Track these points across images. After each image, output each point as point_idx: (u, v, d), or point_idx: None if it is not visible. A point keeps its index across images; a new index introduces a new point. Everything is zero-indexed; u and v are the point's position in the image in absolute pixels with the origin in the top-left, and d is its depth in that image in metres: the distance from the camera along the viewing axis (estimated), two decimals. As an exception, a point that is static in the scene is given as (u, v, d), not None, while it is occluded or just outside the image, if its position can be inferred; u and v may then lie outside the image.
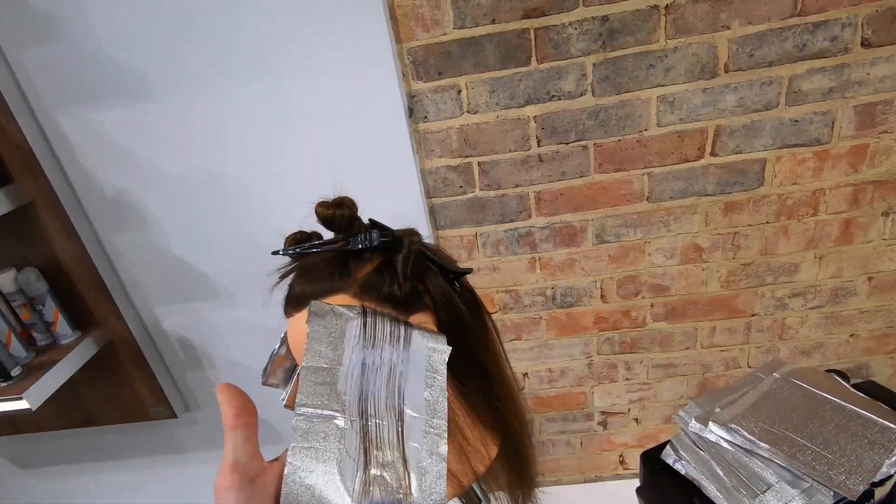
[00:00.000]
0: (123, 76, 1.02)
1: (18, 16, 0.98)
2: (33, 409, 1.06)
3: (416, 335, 0.46)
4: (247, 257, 1.12)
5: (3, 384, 1.08)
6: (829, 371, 0.81)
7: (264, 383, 0.61)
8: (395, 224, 0.52)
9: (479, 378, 0.53)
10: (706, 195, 1.11)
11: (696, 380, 1.34)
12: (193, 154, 1.09)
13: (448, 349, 0.47)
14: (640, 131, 1.06)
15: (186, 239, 1.19)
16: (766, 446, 0.66)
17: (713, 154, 1.07)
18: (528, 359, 1.33)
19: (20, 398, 1.05)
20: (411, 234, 0.53)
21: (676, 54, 0.99)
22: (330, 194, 0.52)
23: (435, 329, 0.49)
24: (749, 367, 1.31)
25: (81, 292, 1.19)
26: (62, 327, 1.19)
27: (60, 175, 1.12)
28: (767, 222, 1.13)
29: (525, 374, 1.36)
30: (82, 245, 1.15)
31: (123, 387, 1.31)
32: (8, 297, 1.14)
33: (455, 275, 0.54)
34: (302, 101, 1.03)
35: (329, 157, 1.07)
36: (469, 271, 0.56)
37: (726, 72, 1.00)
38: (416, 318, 0.49)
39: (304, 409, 0.41)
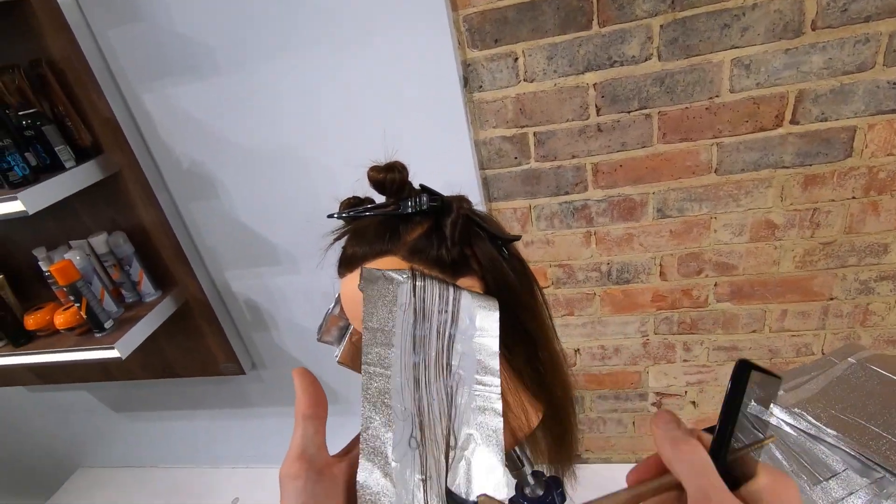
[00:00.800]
0: (196, 52, 1.08)
1: (105, -3, 1.06)
2: (123, 357, 1.19)
3: (466, 296, 0.47)
4: (308, 225, 1.18)
5: (98, 335, 1.21)
6: (915, 360, 0.74)
7: (319, 340, 0.65)
8: (447, 194, 0.52)
9: (525, 345, 0.53)
10: (783, 167, 1.03)
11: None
12: (260, 125, 1.14)
13: (497, 308, 0.48)
14: (711, 98, 0.99)
15: (253, 207, 1.26)
16: (834, 432, 0.61)
17: (793, 122, 0.99)
18: (580, 335, 1.31)
19: (112, 348, 1.17)
20: (461, 200, 0.53)
21: (756, 12, 0.91)
22: (383, 160, 0.54)
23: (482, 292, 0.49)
24: (822, 353, 1.22)
25: (162, 255, 1.30)
26: (146, 286, 1.31)
27: (143, 147, 1.21)
28: (854, 197, 1.03)
29: (577, 351, 1.34)
30: (162, 212, 1.25)
31: (198, 343, 1.43)
32: (101, 257, 1.27)
33: (503, 241, 0.54)
34: (360, 71, 1.04)
35: (384, 126, 1.09)
36: (517, 238, 0.56)
37: (813, 30, 0.91)
38: (463, 282, 0.49)
39: (369, 368, 0.44)
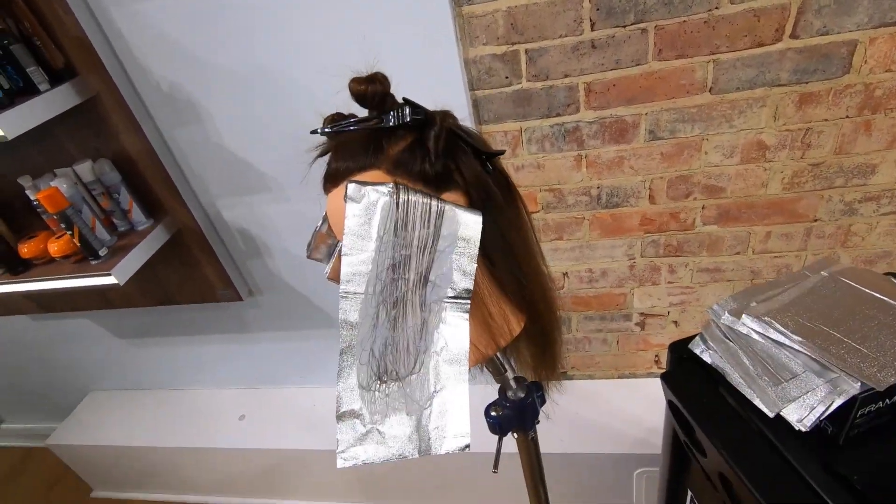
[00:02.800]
0: (165, -39, 1.01)
1: None
2: (121, 283, 1.21)
3: (448, 209, 0.48)
4: (294, 146, 1.16)
5: (94, 262, 1.23)
6: (888, 273, 0.77)
7: (309, 257, 0.66)
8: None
9: (508, 257, 0.55)
10: (779, 85, 1.01)
11: (743, 285, 1.31)
12: (237, 42, 1.09)
13: (480, 219, 0.49)
14: (710, 10, 0.95)
15: (238, 131, 1.23)
16: (798, 338, 0.65)
17: (793, 36, 0.95)
18: (568, 259, 1.34)
19: (109, 274, 1.20)
20: (445, 114, 0.53)
21: (763, -89, 0.85)
22: (364, 72, 0.52)
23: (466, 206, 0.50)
24: (803, 274, 1.26)
25: (150, 183, 1.29)
26: (137, 214, 1.31)
27: (119, 69, 1.16)
28: (847, 116, 1.02)
29: (565, 274, 1.38)
30: (146, 138, 1.22)
31: (194, 270, 1.46)
32: (88, 185, 1.25)
33: (488, 155, 0.54)
34: (341, -16, 0.98)
35: (373, 47, 1.04)
36: (502, 152, 0.56)
37: (823, -69, 0.85)
38: (447, 196, 0.50)
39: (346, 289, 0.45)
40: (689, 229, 1.23)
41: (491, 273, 0.54)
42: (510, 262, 0.55)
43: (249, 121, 1.20)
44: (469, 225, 0.48)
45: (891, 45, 0.94)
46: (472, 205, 0.51)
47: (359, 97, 0.51)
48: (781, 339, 0.66)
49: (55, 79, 1.11)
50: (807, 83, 1.00)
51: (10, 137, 0.99)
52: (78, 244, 1.19)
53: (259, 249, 1.46)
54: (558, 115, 1.11)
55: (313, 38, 1.06)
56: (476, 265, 0.48)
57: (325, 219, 0.63)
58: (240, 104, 1.18)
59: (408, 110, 0.51)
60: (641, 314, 1.42)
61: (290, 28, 1.05)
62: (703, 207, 1.19)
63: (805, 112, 1.03)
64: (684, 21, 0.96)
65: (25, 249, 1.28)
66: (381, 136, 0.51)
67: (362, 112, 0.52)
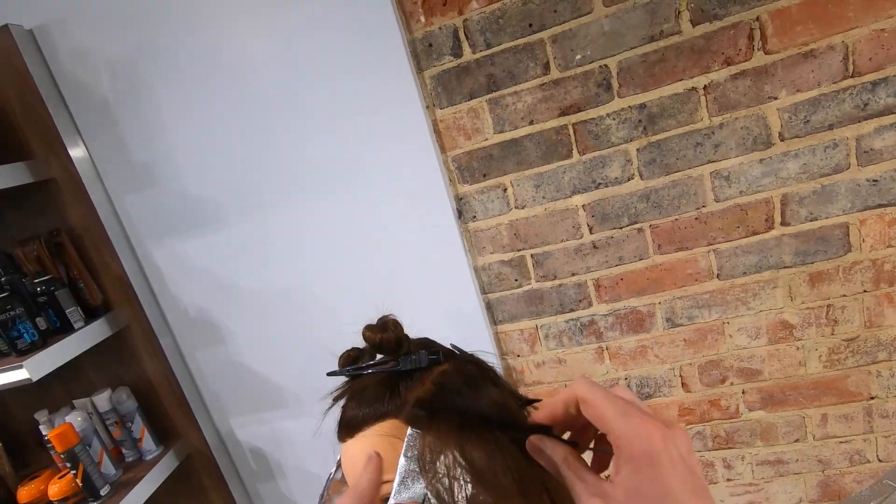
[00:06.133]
0: (204, 209, 1.15)
1: (123, 166, 1.15)
2: (118, 529, 1.10)
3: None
4: (313, 366, 1.16)
5: (93, 503, 1.13)
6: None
7: None
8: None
9: (544, 492, 0.49)
10: (785, 267, 1.02)
11: (816, 478, 1.14)
12: (264, 270, 1.18)
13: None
14: (698, 208, 1.02)
15: (258, 351, 1.25)
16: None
17: (784, 224, 1.00)
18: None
19: (107, 519, 1.09)
20: (463, 362, 0.50)
21: (724, 130, 0.97)
22: (383, 308, 0.53)
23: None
24: (879, 460, 1.10)
25: (166, 406, 1.27)
26: (147, 443, 1.25)
27: (152, 300, 1.24)
28: (865, 291, 1.01)
29: (607, 477, 1.23)
30: (167, 362, 1.24)
31: (199, 499, 1.33)
32: (103, 415, 1.23)
33: (524, 403, 0.51)
34: (359, 216, 1.10)
35: (387, 264, 1.11)
36: (539, 400, 0.52)
37: (782, 140, 0.96)
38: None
39: None
40: (734, 417, 1.13)
41: None
42: (548, 498, 0.48)
43: (269, 339, 1.23)
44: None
45: (882, 224, 0.97)
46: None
47: (373, 346, 0.51)
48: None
49: (91, 314, 1.18)
50: (812, 263, 1.01)
51: (34, 379, 1.00)
52: (80, 484, 1.11)
53: (272, 470, 1.36)
54: (572, 310, 1.12)
55: (335, 264, 1.14)
56: None
57: (339, 465, 0.58)
58: (261, 324, 1.22)
59: (423, 354, 0.50)
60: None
61: (313, 254, 1.14)
62: (743, 392, 1.11)
63: (820, 290, 1.02)
64: (676, 219, 1.03)
65: (24, 493, 1.20)
66: (398, 380, 0.50)
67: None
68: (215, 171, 1.12)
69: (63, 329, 1.13)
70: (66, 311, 1.12)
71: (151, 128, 1.11)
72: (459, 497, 0.42)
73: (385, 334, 0.50)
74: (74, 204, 1.15)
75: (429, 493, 0.42)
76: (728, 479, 1.18)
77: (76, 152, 1.13)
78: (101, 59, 1.09)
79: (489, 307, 1.15)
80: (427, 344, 0.51)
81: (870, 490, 0.65)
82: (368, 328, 0.52)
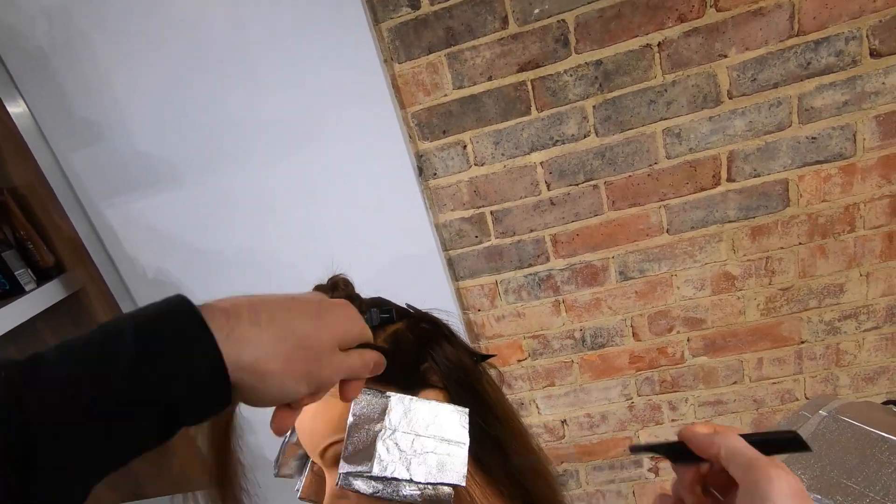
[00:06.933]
0: (157, 167, 1.12)
1: (66, 122, 1.10)
2: None
3: (430, 411, 0.45)
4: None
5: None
6: (886, 403, 0.74)
7: (277, 475, 0.59)
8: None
9: (497, 452, 0.51)
10: (729, 222, 1.08)
11: (750, 416, 1.25)
12: (224, 231, 1.16)
13: (466, 419, 0.46)
14: (650, 165, 1.05)
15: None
16: (818, 496, 0.60)
17: (730, 180, 1.05)
18: (564, 405, 1.29)
19: None
20: (418, 318, 0.51)
21: (676, 87, 0.99)
22: (342, 263, 0.53)
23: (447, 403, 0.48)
24: (807, 398, 1.21)
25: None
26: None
27: (108, 262, 1.21)
28: (801, 243, 1.08)
29: (563, 422, 1.31)
30: (128, 324, 1.22)
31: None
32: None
33: (478, 358, 0.52)
34: (318, 174, 1.09)
35: (347, 221, 1.12)
36: (492, 356, 0.54)
37: (730, 98, 0.99)
38: (426, 395, 0.48)
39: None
40: (679, 363, 1.21)
41: (484, 472, 0.50)
42: (500, 457, 0.51)
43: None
44: (455, 425, 0.46)
45: (818, 180, 1.03)
46: (452, 400, 0.49)
47: None
48: (799, 495, 0.60)
49: (43, 276, 1.15)
50: (754, 217, 1.07)
51: (-14, 342, 0.98)
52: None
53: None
54: (530, 265, 1.16)
55: (296, 223, 1.13)
56: (467, 468, 0.45)
57: (294, 428, 0.58)
58: (223, 285, 1.21)
59: (375, 312, 0.50)
60: (652, 458, 1.33)
61: (273, 214, 1.13)
62: (688, 340, 1.19)
63: (760, 242, 1.09)
64: (630, 175, 1.06)
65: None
66: None
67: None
68: (166, 128, 1.08)
69: (13, 291, 1.10)
70: (16, 273, 1.09)
71: (93, 81, 1.06)
72: (410, 451, 0.44)
73: (335, 293, 0.51)
74: (16, 162, 1.10)
75: (378, 450, 0.43)
76: (672, 420, 1.27)
77: (14, 108, 1.07)
78: (35, 6, 1.02)
79: (450, 263, 1.18)
80: (379, 303, 0.51)
81: (787, 421, 0.72)
82: (318, 288, 0.52)
